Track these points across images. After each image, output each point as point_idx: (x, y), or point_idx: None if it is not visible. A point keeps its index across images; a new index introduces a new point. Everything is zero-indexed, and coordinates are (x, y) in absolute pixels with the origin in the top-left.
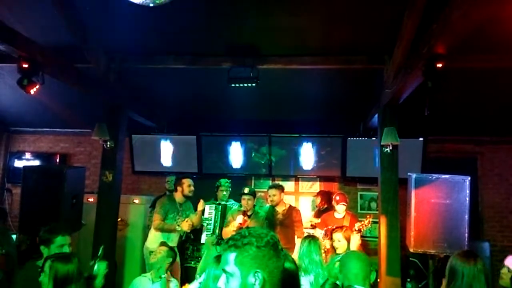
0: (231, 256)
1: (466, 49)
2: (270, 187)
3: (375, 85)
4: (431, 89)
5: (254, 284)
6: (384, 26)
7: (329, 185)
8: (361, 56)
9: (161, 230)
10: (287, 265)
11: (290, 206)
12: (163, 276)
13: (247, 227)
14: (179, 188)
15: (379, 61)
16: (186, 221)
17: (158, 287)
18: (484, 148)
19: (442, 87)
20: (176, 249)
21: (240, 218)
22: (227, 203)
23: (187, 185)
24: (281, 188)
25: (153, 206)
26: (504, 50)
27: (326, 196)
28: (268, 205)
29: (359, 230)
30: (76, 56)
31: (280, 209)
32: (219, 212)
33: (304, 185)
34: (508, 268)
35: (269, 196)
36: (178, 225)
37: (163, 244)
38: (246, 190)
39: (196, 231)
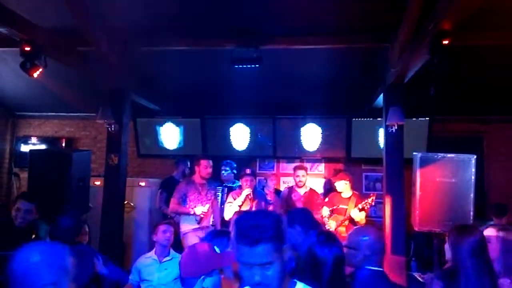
0: (267, 247)
1: (473, 26)
2: (298, 168)
3: (380, 64)
4: (437, 67)
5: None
6: (389, 4)
7: (333, 166)
8: (366, 34)
9: (176, 213)
10: None
11: (311, 188)
12: None
13: (248, 216)
14: (196, 169)
15: (384, 40)
16: (203, 206)
17: None
18: (490, 127)
19: (448, 65)
20: None
21: (242, 197)
22: (233, 185)
23: (204, 166)
24: (307, 169)
25: (161, 188)
26: (511, 27)
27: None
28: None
29: (363, 209)
30: (77, 39)
31: (301, 191)
32: (225, 194)
33: (308, 167)
34: None
35: (297, 176)
36: (192, 209)
37: None
38: (248, 170)
39: None
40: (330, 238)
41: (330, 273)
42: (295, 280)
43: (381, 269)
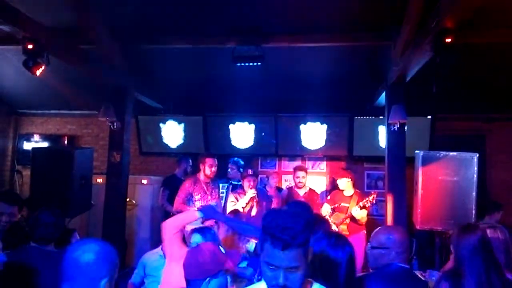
0: (297, 251)
1: (475, 24)
2: (298, 169)
3: (382, 62)
4: (439, 65)
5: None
6: (391, 2)
7: (335, 164)
8: (368, 32)
9: (180, 212)
10: None
11: (310, 189)
12: None
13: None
14: (201, 167)
15: (386, 38)
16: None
17: None
18: (493, 126)
19: (450, 64)
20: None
21: (247, 198)
22: (239, 182)
23: (209, 164)
24: (306, 170)
25: (163, 185)
26: None
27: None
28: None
29: (364, 207)
30: (80, 37)
31: (301, 192)
32: (229, 191)
33: (310, 165)
34: None
35: (297, 177)
36: (196, 209)
37: None
38: (250, 171)
39: None
40: (340, 238)
41: (346, 273)
42: (311, 279)
43: (408, 267)
